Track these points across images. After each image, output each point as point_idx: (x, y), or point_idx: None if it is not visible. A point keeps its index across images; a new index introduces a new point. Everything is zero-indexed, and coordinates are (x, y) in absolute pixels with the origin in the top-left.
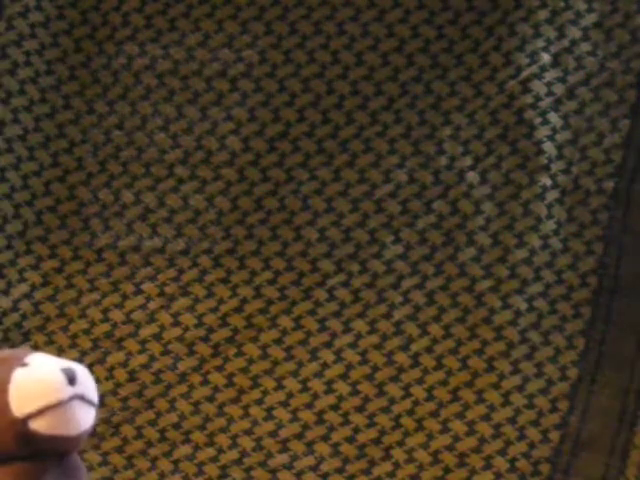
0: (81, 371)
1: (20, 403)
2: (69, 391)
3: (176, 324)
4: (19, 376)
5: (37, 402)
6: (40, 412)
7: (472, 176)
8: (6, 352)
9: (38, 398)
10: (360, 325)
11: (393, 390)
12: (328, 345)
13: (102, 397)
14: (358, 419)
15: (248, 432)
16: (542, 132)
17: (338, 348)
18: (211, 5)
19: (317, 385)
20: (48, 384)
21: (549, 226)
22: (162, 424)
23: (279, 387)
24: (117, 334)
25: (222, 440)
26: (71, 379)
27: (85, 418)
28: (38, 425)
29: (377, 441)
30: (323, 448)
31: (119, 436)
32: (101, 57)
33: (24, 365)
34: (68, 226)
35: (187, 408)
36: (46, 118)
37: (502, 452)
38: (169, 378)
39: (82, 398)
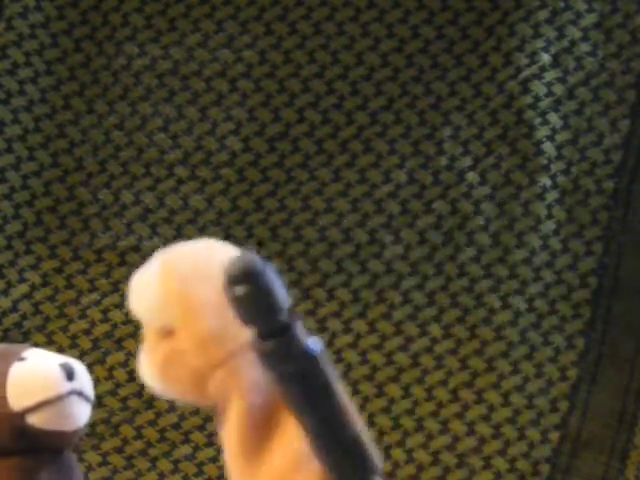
0: (78, 367)
1: (18, 397)
2: (67, 386)
3: None
4: (17, 370)
5: (35, 396)
6: (38, 406)
7: (472, 176)
8: (3, 347)
9: (36, 392)
10: (360, 325)
11: (393, 390)
12: (328, 345)
13: (101, 397)
14: None
15: None
16: (542, 132)
17: (338, 348)
18: (211, 5)
19: None
20: (46, 378)
21: (549, 226)
22: (162, 424)
23: None
24: (117, 334)
25: None
26: (69, 374)
27: (82, 414)
28: (35, 419)
29: (377, 441)
30: None
31: (119, 436)
32: (101, 57)
33: (22, 359)
34: (68, 226)
35: (187, 408)
36: (46, 118)
37: (502, 452)
38: None
39: (80, 394)
